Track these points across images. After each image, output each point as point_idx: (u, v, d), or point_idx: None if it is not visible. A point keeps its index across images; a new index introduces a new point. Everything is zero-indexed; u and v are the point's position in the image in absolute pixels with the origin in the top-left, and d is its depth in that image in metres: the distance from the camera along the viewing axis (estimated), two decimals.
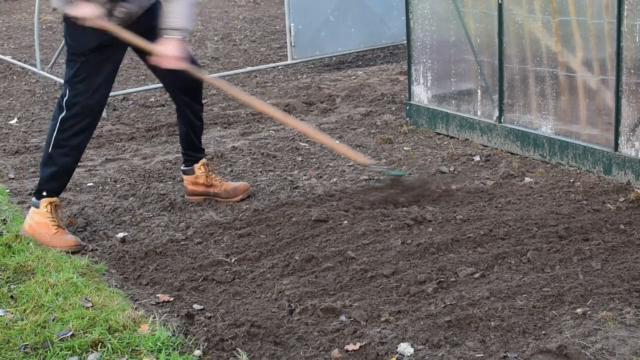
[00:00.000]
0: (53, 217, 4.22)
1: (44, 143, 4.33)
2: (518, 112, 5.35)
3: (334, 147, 4.68)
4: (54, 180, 4.26)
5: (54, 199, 4.26)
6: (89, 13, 4.03)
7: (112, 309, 3.40)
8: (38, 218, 4.21)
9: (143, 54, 4.34)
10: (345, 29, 8.41)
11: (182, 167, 4.83)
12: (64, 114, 4.17)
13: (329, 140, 4.64)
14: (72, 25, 4.13)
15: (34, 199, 4.29)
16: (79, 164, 5.61)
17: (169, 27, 4.10)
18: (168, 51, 4.10)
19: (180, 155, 4.91)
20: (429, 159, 5.36)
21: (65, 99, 4.18)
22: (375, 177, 4.93)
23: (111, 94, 7.40)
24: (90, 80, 4.15)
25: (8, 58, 9.42)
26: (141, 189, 5.06)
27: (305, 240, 4.11)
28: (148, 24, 4.23)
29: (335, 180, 5.03)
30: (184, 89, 4.50)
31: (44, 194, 4.24)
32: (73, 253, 4.10)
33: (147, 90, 7.74)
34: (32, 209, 4.26)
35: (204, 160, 4.75)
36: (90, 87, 4.16)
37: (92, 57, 4.14)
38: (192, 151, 4.73)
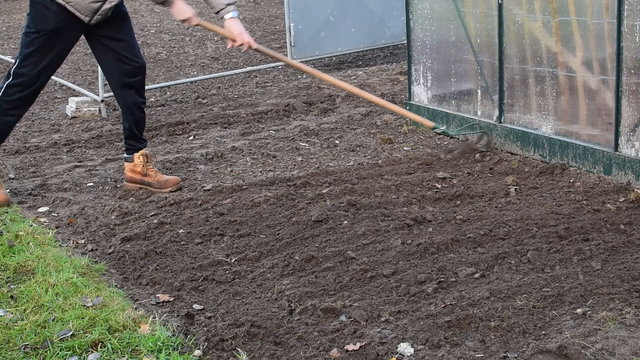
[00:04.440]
0: None
1: None
2: (518, 112, 5.35)
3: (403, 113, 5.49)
4: None
5: None
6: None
7: (112, 309, 3.40)
8: None
9: (98, 42, 4.79)
10: (345, 29, 8.41)
11: (124, 155, 5.15)
12: (10, 80, 4.67)
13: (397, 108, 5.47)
14: (37, 6, 4.58)
15: None
16: (78, 163, 5.68)
17: (225, 4, 4.75)
18: (237, 29, 4.79)
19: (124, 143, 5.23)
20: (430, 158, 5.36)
21: (14, 68, 4.67)
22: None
23: (112, 94, 7.42)
24: (40, 56, 4.61)
25: (8, 58, 9.42)
26: (141, 188, 5.06)
27: (305, 240, 4.11)
28: (114, 13, 4.70)
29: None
30: (128, 80, 4.84)
31: None
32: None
33: (147, 90, 7.73)
34: None
35: (144, 150, 5.05)
36: (39, 62, 4.61)
37: (46, 37, 4.58)
38: (133, 141, 5.05)
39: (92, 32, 4.76)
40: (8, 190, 5.07)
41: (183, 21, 4.70)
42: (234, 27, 4.78)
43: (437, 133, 5.92)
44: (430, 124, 5.45)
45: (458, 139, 5.64)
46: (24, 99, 4.72)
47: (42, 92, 7.97)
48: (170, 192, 4.99)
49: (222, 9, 4.75)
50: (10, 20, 13.20)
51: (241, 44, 4.82)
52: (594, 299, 3.34)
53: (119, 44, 4.78)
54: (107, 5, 4.58)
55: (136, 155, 5.01)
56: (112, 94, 7.36)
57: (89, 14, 4.58)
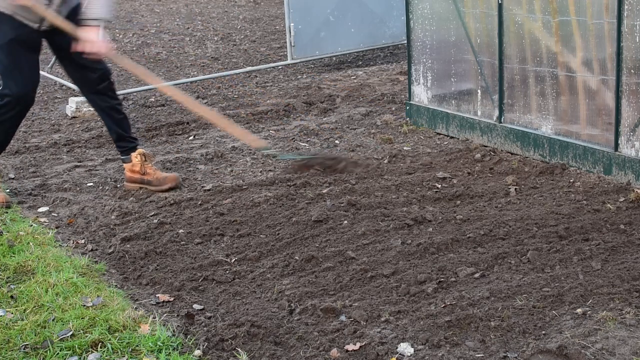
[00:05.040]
0: None
1: None
2: (518, 112, 5.35)
3: (233, 132, 5.01)
4: None
5: None
6: None
7: (112, 309, 3.40)
8: None
9: (61, 52, 4.82)
10: (345, 29, 8.41)
11: (121, 157, 5.18)
12: None
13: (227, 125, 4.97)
14: None
15: None
16: (78, 163, 5.68)
17: (90, 17, 4.57)
18: (91, 37, 4.55)
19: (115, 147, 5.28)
20: (428, 159, 5.35)
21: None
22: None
23: None
24: (15, 71, 4.64)
25: None
26: (141, 188, 5.06)
27: (305, 240, 4.11)
28: (72, 22, 4.65)
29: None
30: (96, 87, 4.87)
31: None
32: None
33: (147, 90, 7.74)
34: None
35: (141, 150, 5.08)
36: (17, 77, 4.65)
37: (11, 48, 4.61)
38: (124, 142, 5.08)
39: (53, 42, 4.80)
40: (8, 190, 5.07)
41: None
42: (90, 33, 4.55)
43: (437, 133, 5.92)
44: (260, 144, 5.01)
45: (287, 160, 5.21)
46: (16, 117, 4.76)
47: (42, 92, 8.01)
48: (170, 188, 5.00)
49: (87, 19, 4.58)
50: None
51: (94, 52, 4.60)
52: (594, 299, 3.34)
53: (80, 53, 4.71)
54: (52, 9, 4.57)
55: (133, 154, 5.05)
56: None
57: (37, 20, 4.61)
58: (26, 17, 4.59)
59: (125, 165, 5.10)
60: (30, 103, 4.79)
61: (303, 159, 4.63)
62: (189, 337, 3.22)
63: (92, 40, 4.54)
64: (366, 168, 5.00)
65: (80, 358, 3.09)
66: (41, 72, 8.19)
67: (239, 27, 11.53)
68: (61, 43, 4.76)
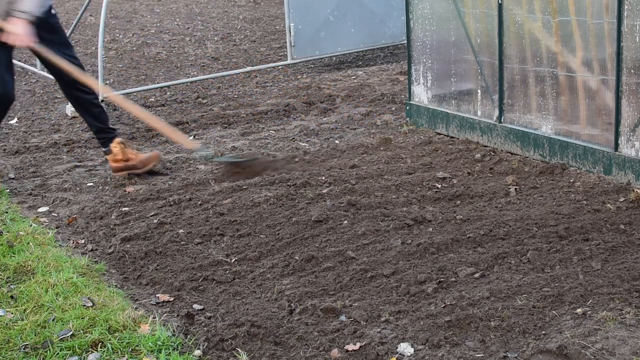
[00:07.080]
0: None
1: None
2: (518, 112, 5.35)
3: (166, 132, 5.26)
4: None
5: None
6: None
7: (112, 309, 3.40)
8: None
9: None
10: (345, 29, 8.41)
11: (102, 149, 5.35)
12: None
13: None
14: None
15: None
16: (78, 163, 5.68)
17: (18, 9, 4.70)
18: (16, 29, 4.71)
19: (96, 140, 5.46)
20: (428, 159, 5.36)
21: None
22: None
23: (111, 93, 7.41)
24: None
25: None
26: (142, 188, 5.06)
27: (305, 240, 4.11)
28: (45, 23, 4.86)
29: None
30: (73, 81, 5.02)
31: None
32: None
33: (147, 90, 7.74)
34: None
35: (118, 138, 5.23)
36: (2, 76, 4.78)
37: None
38: (103, 134, 5.30)
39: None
40: (8, 190, 5.07)
41: None
42: (16, 25, 4.73)
43: (437, 133, 5.92)
44: (193, 146, 5.33)
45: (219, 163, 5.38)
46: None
47: (42, 92, 8.01)
48: (155, 166, 5.26)
49: (15, 11, 4.73)
50: None
51: (17, 45, 4.85)
52: (594, 299, 3.34)
53: (61, 49, 4.96)
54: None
55: (112, 145, 5.23)
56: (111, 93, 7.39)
57: (2, 14, 4.73)
58: None
59: (107, 157, 5.30)
60: (12, 100, 4.98)
61: (230, 161, 5.00)
62: (189, 337, 3.22)
63: (15, 32, 4.71)
64: (291, 161, 5.19)
65: (80, 358, 3.09)
66: (41, 72, 8.25)
67: (239, 27, 11.53)
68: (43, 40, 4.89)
